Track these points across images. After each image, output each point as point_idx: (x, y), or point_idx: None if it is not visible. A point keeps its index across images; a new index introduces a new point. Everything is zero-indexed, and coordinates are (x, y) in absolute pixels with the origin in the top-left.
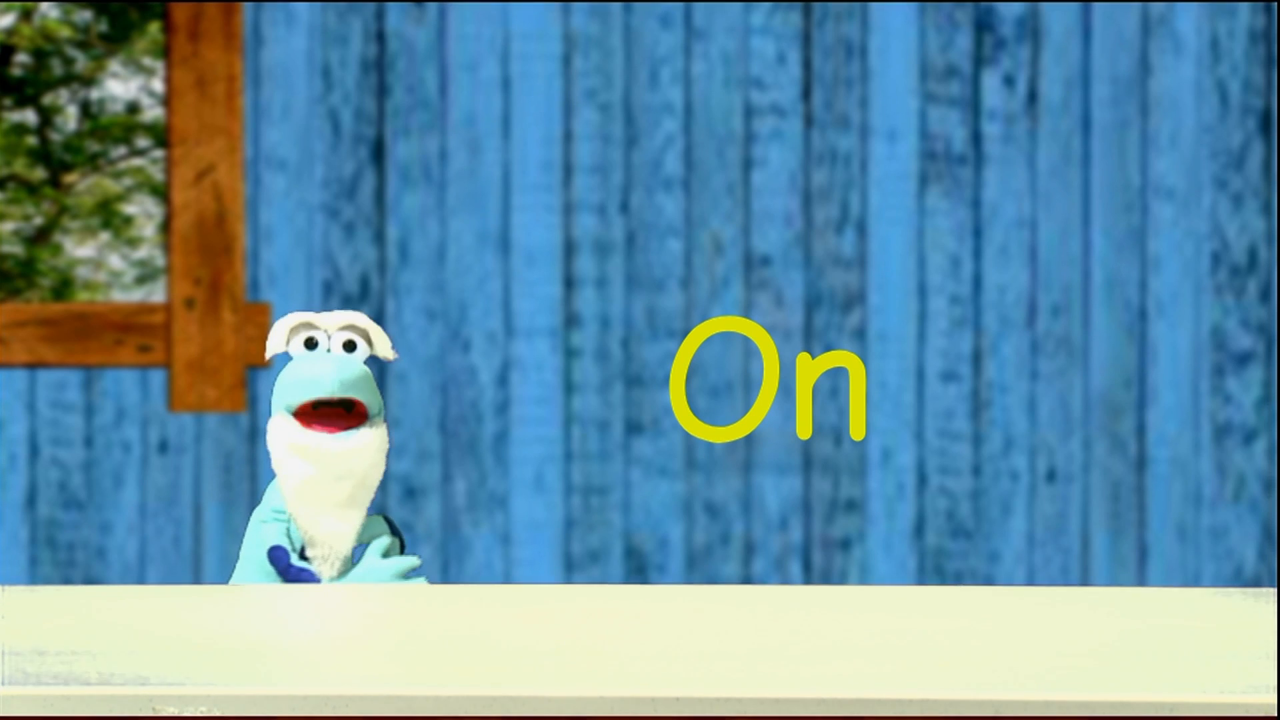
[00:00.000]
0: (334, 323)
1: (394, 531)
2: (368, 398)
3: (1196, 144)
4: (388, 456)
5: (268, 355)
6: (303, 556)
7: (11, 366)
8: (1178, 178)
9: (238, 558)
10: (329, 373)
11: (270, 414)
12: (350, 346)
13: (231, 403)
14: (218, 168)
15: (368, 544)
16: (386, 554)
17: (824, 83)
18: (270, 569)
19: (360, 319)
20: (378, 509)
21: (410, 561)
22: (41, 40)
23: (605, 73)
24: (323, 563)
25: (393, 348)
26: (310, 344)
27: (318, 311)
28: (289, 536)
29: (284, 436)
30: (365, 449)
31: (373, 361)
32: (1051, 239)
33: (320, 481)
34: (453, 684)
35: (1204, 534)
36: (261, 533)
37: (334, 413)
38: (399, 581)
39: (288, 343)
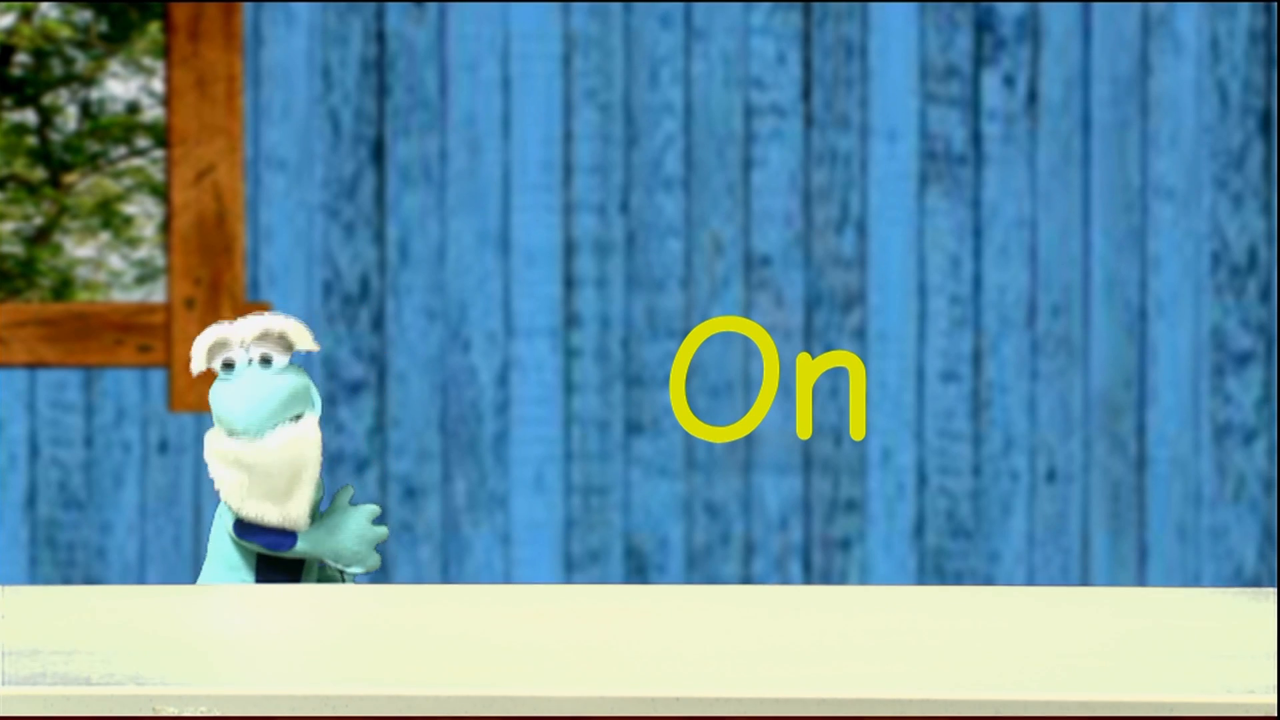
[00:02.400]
0: (248, 334)
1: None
2: (283, 418)
3: (1196, 144)
4: (387, 457)
5: (194, 374)
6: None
7: (11, 366)
8: (1178, 178)
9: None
10: (239, 415)
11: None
12: (266, 361)
13: None
14: (218, 168)
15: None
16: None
17: (824, 83)
18: (240, 560)
19: (274, 323)
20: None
21: (373, 509)
22: (41, 40)
23: (605, 73)
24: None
25: (315, 339)
26: (229, 366)
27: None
28: None
29: (212, 444)
30: (291, 443)
31: (301, 357)
32: (1051, 239)
33: (253, 483)
34: (453, 684)
35: (1204, 534)
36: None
37: None
38: (364, 533)
39: (208, 363)
